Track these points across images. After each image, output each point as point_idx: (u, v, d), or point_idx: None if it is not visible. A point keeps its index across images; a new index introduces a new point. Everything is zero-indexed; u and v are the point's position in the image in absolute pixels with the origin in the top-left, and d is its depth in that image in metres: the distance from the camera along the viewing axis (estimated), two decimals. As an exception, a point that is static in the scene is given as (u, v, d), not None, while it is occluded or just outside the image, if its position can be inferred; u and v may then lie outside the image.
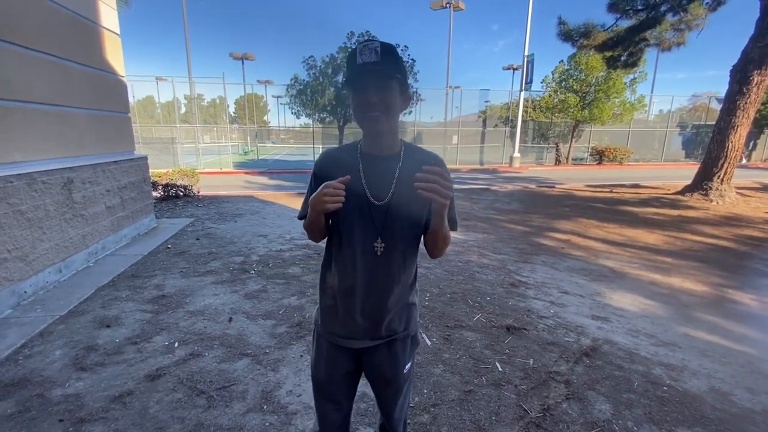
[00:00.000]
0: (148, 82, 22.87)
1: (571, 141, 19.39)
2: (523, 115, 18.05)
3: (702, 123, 23.32)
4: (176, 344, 2.51)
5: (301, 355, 2.41)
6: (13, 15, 3.14)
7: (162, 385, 2.10)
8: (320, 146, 17.89)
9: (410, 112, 17.71)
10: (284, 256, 4.33)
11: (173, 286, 3.45)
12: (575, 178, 13.43)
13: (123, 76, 4.92)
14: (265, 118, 50.24)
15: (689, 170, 10.95)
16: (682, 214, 7.03)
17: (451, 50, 20.85)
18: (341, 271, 1.13)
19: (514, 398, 2.06)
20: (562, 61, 18.67)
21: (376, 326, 1.14)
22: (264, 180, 12.33)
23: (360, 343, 1.17)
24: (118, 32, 4.83)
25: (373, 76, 0.99)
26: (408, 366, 1.23)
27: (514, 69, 35.48)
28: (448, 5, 20.68)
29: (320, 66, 14.69)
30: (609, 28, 10.55)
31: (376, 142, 1.09)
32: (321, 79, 14.64)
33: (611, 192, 9.70)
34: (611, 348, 2.58)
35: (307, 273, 3.83)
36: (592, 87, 17.78)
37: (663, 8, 9.71)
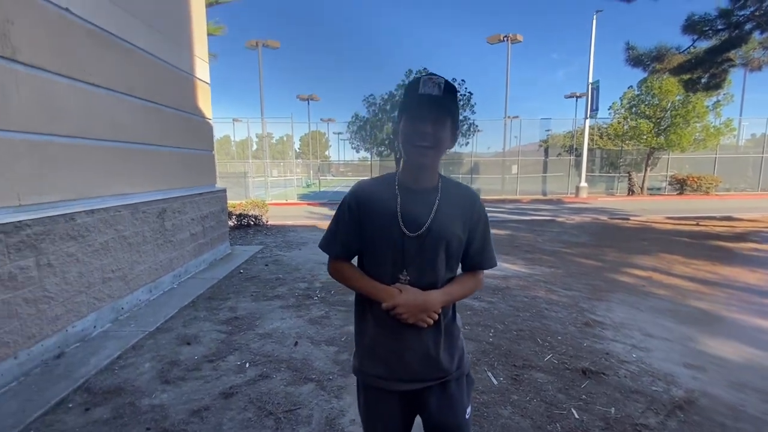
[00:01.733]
0: (226, 122, 25.56)
1: (646, 170, 17.96)
2: (588, 143, 17.20)
3: (808, 147, 20.40)
4: (247, 365, 2.64)
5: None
6: (128, 70, 3.74)
7: (234, 404, 2.21)
8: (378, 178, 18.39)
9: (467, 144, 17.74)
10: (345, 284, 4.43)
11: (245, 308, 3.68)
12: (652, 209, 12.31)
13: (210, 119, 5.56)
14: (326, 153, 53.19)
15: (796, 201, 9.54)
16: (791, 250, 6.10)
17: (509, 81, 20.76)
18: (378, 307, 1.07)
19: (594, 450, 1.86)
20: (631, 86, 17.71)
21: (424, 365, 1.07)
22: (325, 210, 12.88)
23: (408, 385, 1.08)
24: (209, 81, 5.53)
25: (433, 108, 0.99)
26: (469, 410, 1.15)
27: (577, 97, 34.28)
28: (505, 39, 20.82)
29: (379, 103, 15.39)
30: (685, 50, 9.83)
31: (417, 174, 1.07)
32: (380, 116, 15.28)
33: (698, 225, 8.72)
34: (710, 402, 2.25)
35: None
36: (668, 112, 16.52)
37: (748, 26, 8.88)
